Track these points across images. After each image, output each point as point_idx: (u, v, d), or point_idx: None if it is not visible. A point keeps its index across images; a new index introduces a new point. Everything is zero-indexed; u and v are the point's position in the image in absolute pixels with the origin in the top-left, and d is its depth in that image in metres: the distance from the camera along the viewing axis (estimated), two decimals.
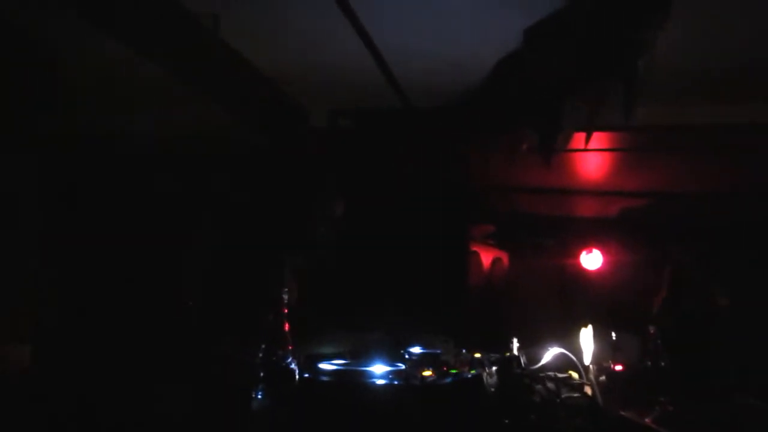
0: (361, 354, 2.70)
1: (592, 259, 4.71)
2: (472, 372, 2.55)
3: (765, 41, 2.80)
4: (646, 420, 2.62)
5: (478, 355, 2.86)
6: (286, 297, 2.38)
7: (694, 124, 3.51)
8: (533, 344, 3.20)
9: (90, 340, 3.49)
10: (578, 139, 3.10)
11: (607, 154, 4.00)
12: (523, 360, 3.03)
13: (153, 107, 3.63)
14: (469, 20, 2.80)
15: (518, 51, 2.89)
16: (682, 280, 4.18)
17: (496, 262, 4.92)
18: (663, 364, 3.18)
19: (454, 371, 2.60)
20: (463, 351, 2.97)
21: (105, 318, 3.61)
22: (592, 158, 4.04)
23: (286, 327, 2.37)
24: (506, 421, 2.38)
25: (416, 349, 2.94)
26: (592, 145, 3.23)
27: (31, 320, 3.54)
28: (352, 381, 2.44)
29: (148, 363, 2.97)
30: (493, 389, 2.50)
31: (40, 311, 3.63)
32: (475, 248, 4.69)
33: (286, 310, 2.36)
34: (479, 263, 4.71)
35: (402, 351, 2.89)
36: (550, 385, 2.83)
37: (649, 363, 3.22)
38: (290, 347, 2.35)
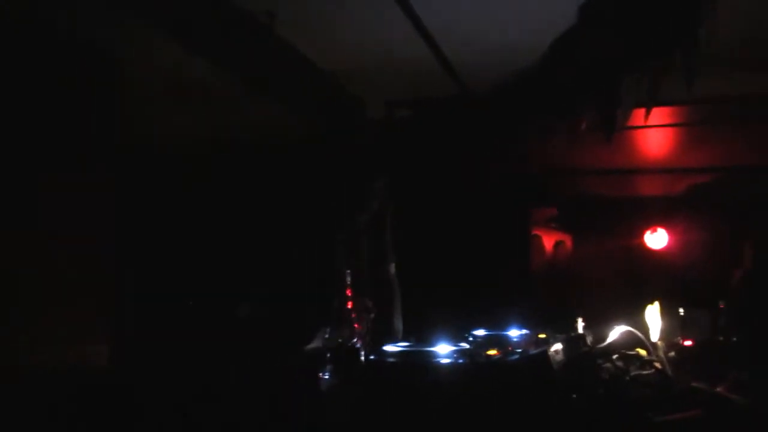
0: (426, 336, 2.72)
1: (656, 239, 4.64)
2: (538, 349, 2.55)
3: None
4: (718, 389, 2.58)
5: (543, 336, 2.85)
6: (349, 279, 2.42)
7: (758, 93, 3.41)
8: (599, 323, 3.17)
9: (166, 337, 3.61)
10: (638, 115, 3.06)
11: (669, 130, 3.93)
12: (589, 339, 3.01)
13: (213, 108, 3.71)
14: (520, 1, 2.79)
15: (573, 29, 2.86)
16: (754, 256, 4.07)
17: (558, 245, 4.89)
18: (734, 339, 3.12)
19: (519, 350, 2.61)
20: (527, 332, 2.96)
21: (180, 315, 3.72)
22: (653, 135, 3.97)
23: (351, 310, 2.41)
24: (574, 396, 2.37)
25: (481, 332, 2.95)
26: (653, 120, 3.18)
27: (110, 321, 3.67)
28: (417, 361, 2.47)
29: (222, 354, 3.05)
30: (559, 367, 2.50)
31: (118, 312, 3.76)
32: (537, 232, 4.67)
33: (350, 292, 2.40)
34: (542, 247, 4.69)
35: (467, 334, 2.90)
36: (619, 362, 2.81)
37: (720, 338, 3.16)
38: (356, 327, 2.39)
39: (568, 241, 4.94)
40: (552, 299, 4.39)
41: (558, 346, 2.62)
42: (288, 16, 2.87)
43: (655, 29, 2.65)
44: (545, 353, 2.44)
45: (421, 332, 2.90)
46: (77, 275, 3.02)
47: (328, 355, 2.36)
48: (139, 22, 2.62)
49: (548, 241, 4.83)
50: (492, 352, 2.54)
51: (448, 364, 2.42)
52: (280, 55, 3.19)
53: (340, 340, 2.39)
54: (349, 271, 2.41)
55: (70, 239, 2.95)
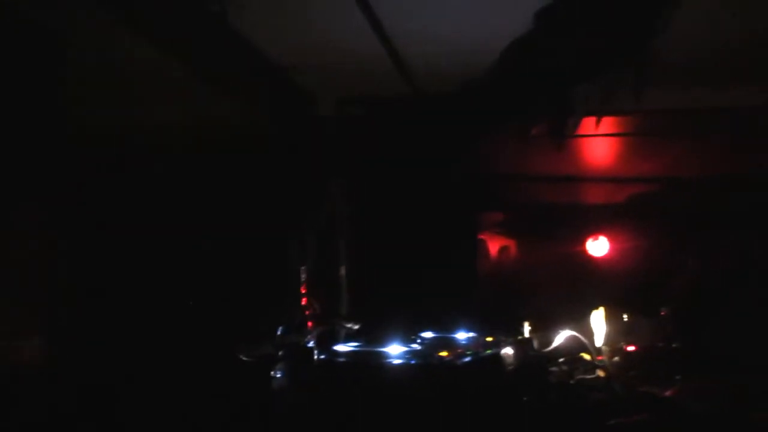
0: (374, 338, 2.70)
1: (598, 246, 4.72)
2: (491, 351, 2.56)
3: None
4: (666, 394, 2.63)
5: (490, 339, 2.87)
6: (303, 276, 2.38)
7: (704, 108, 3.50)
8: (544, 328, 3.21)
9: (103, 332, 3.50)
10: (588, 123, 3.10)
11: (616, 140, 4.01)
12: (535, 343, 3.04)
13: (159, 98, 3.62)
14: (479, 4, 2.79)
15: (528, 35, 2.88)
16: (696, 264, 4.19)
17: (503, 249, 4.92)
18: (675, 345, 3.20)
19: (470, 352, 2.61)
20: (475, 335, 2.97)
21: (118, 309, 3.62)
22: (601, 144, 4.04)
23: (305, 307, 2.37)
24: (525, 398, 2.39)
25: (428, 334, 2.94)
26: (603, 130, 3.23)
27: (44, 314, 3.54)
28: (370, 361, 2.44)
29: (162, 350, 2.97)
30: (510, 369, 2.51)
31: (52, 305, 3.63)
32: (482, 236, 4.69)
33: (304, 290, 2.36)
34: (487, 251, 4.72)
35: (414, 336, 2.89)
36: (564, 367, 2.84)
37: (661, 344, 3.24)
38: (309, 325, 2.35)
39: (513, 247, 4.99)
40: (498, 303, 4.41)
41: (508, 350, 2.64)
42: (241, 8, 2.81)
43: (608, 41, 2.69)
44: (498, 355, 2.45)
45: (369, 334, 2.87)
46: (8, 266, 2.91)
47: (280, 354, 2.32)
48: (87, 4, 2.53)
49: (493, 246, 4.86)
50: (443, 353, 2.54)
51: (401, 364, 2.41)
52: (232, 46, 3.12)
53: (292, 340, 2.34)
54: (303, 268, 2.37)
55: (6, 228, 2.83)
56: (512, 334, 3.04)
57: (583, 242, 4.68)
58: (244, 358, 2.44)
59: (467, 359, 2.48)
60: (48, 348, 3.39)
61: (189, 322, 3.04)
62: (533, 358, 2.83)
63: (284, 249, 3.13)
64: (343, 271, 3.41)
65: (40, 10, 2.74)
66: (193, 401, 2.56)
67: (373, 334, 2.75)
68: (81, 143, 3.74)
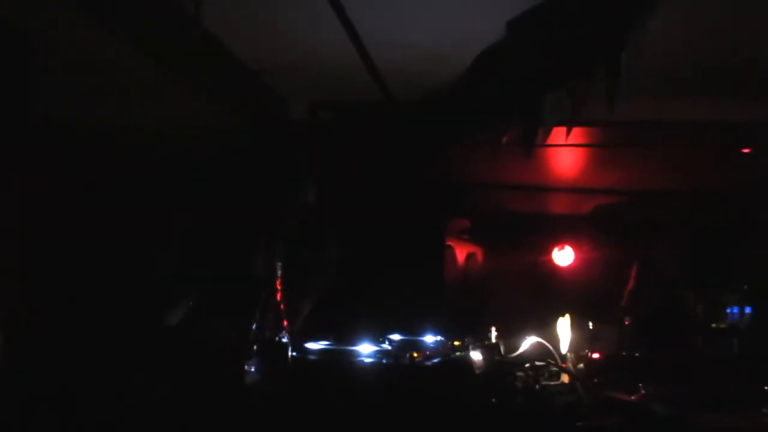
0: (345, 337, 2.70)
1: (563, 255, 4.79)
2: (460, 353, 2.58)
3: (749, 38, 2.85)
4: (632, 398, 2.67)
5: (457, 343, 2.89)
6: (279, 271, 2.37)
7: (675, 121, 3.56)
8: (511, 334, 3.24)
9: (65, 327, 3.45)
10: (558, 133, 3.14)
11: (585, 150, 4.05)
12: (501, 349, 3.07)
13: (130, 98, 3.58)
14: (453, 11, 2.81)
15: (500, 43, 2.90)
16: (652, 273, 4.27)
17: (470, 256, 4.97)
18: (637, 354, 3.26)
19: (439, 354, 2.63)
20: (442, 338, 2.99)
21: (81, 304, 3.56)
22: (570, 154, 4.09)
23: (280, 302, 2.35)
24: (493, 400, 2.41)
25: (396, 336, 2.95)
26: (572, 140, 3.27)
27: (2, 310, 3.48)
28: (340, 359, 2.45)
29: (130, 346, 2.93)
30: (479, 372, 2.53)
31: (10, 301, 3.57)
32: (450, 242, 4.73)
33: (279, 286, 2.35)
34: (454, 258, 4.75)
35: (381, 338, 2.90)
36: (530, 372, 2.87)
37: (624, 353, 3.29)
38: (284, 323, 2.34)
39: (479, 254, 5.03)
40: (464, 309, 4.44)
41: (476, 354, 2.66)
42: (212, 8, 2.79)
43: (580, 51, 2.73)
44: (468, 357, 2.47)
45: (336, 334, 2.87)
46: None
47: (254, 348, 2.30)
48: (60, 4, 2.50)
49: (460, 253, 4.90)
50: (415, 354, 2.55)
51: (372, 363, 2.41)
52: (204, 48, 3.10)
53: (266, 333, 2.33)
54: (279, 263, 2.36)
55: None
56: (479, 339, 3.07)
57: (549, 251, 4.75)
58: (217, 353, 2.42)
59: (437, 360, 2.49)
60: (5, 345, 3.33)
61: (157, 319, 3.00)
62: (500, 363, 2.86)
63: (255, 250, 3.11)
64: (313, 271, 3.41)
65: (11, 10, 2.70)
66: (160, 395, 2.52)
67: (343, 333, 2.75)
68: (50, 141, 3.69)
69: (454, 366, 2.44)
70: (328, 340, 2.70)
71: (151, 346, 2.82)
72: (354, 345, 2.59)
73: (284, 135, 3.88)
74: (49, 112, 3.43)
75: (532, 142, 3.12)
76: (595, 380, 3.02)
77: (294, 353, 2.42)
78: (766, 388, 2.81)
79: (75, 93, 3.48)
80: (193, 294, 2.94)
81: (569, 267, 4.73)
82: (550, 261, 4.77)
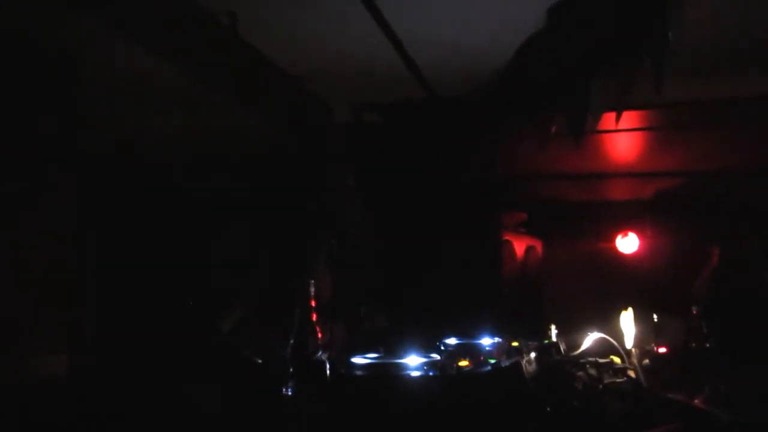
0: (395, 347, 2.66)
1: (627, 243, 4.64)
2: (511, 360, 2.50)
3: None
4: (696, 401, 2.54)
5: (515, 344, 2.80)
6: (313, 289, 2.34)
7: (727, 98, 3.41)
8: (572, 331, 3.13)
9: (125, 349, 3.51)
10: (608, 119, 3.02)
11: (639, 134, 3.92)
12: (562, 347, 2.96)
13: (174, 112, 3.62)
14: (489, 4, 2.75)
15: (542, 31, 2.82)
16: (727, 259, 4.08)
17: (529, 250, 4.84)
18: (708, 345, 3.10)
19: (492, 360, 2.55)
20: (500, 340, 2.91)
21: (139, 325, 3.62)
22: (623, 139, 3.96)
23: (315, 321, 2.33)
24: (548, 408, 2.32)
25: (452, 340, 2.89)
26: (622, 125, 3.15)
27: (68, 331, 3.56)
28: (385, 374, 2.40)
29: (180, 366, 2.96)
30: (532, 377, 2.45)
31: (77, 322, 3.65)
32: (507, 237, 4.63)
33: (314, 303, 2.32)
34: (512, 252, 4.64)
35: (438, 343, 2.84)
36: (592, 371, 2.76)
37: (694, 344, 3.14)
38: (320, 341, 2.31)
39: (538, 247, 4.91)
40: (524, 306, 4.35)
41: (531, 356, 2.57)
42: (250, 17, 2.79)
43: (624, 32, 2.62)
44: (518, 364, 2.39)
45: (389, 342, 2.83)
46: (34, 282, 2.92)
47: (291, 369, 2.27)
48: (98, 20, 2.53)
49: (519, 247, 4.79)
50: (463, 363, 2.48)
51: (417, 377, 2.36)
52: (243, 57, 3.11)
53: (303, 353, 2.29)
54: (312, 281, 2.33)
55: (27, 244, 2.85)
56: (538, 337, 2.97)
57: (610, 240, 4.60)
58: (255, 375, 2.41)
59: (486, 369, 2.42)
60: (73, 363, 3.41)
61: (202, 339, 3.02)
62: (559, 364, 2.76)
63: (298, 259, 3.10)
64: (362, 279, 3.38)
65: (49, 31, 2.76)
66: (203, 424, 2.53)
67: (394, 343, 2.71)
68: (96, 157, 3.77)
69: (504, 374, 2.35)
70: (377, 351, 2.66)
71: (201, 360, 2.83)
72: (404, 354, 2.53)
73: (328, 139, 3.87)
74: (97, 132, 3.51)
75: (581, 129, 3.01)
76: (662, 377, 2.89)
77: (339, 369, 2.38)
78: None
79: (117, 109, 3.55)
80: (242, 308, 2.95)
81: (633, 255, 4.57)
82: (613, 249, 4.62)
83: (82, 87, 3.01)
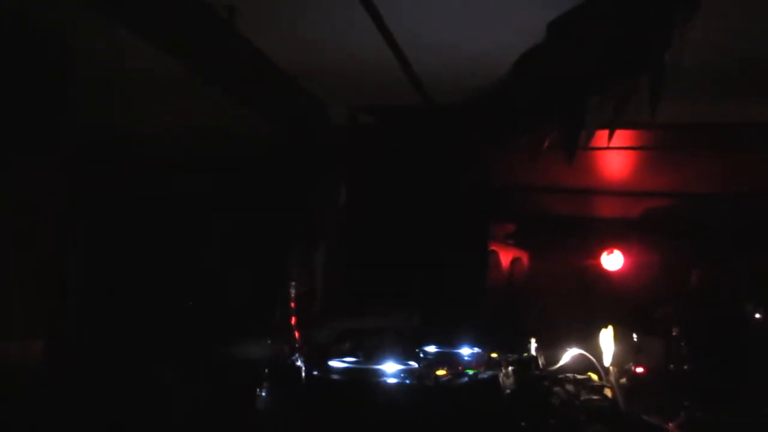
0: (374, 352, 2.65)
1: (613, 260, 4.65)
2: (489, 373, 2.50)
3: None
4: (670, 425, 2.55)
5: (494, 355, 2.80)
6: (293, 291, 2.33)
7: (721, 123, 3.43)
8: (552, 345, 3.13)
9: (102, 338, 3.49)
10: (601, 136, 3.03)
11: (631, 153, 3.94)
12: (541, 361, 2.97)
13: (168, 104, 3.61)
14: (490, 14, 2.75)
15: (541, 45, 2.82)
16: (709, 282, 4.10)
17: (515, 261, 4.86)
18: (687, 367, 3.11)
19: (470, 371, 2.55)
20: (479, 351, 2.91)
21: (117, 316, 3.60)
22: (615, 157, 3.97)
23: (293, 322, 2.32)
24: (523, 424, 2.32)
25: (432, 348, 2.89)
26: (615, 143, 3.15)
27: (45, 316, 3.54)
28: (361, 380, 2.39)
29: (156, 363, 2.94)
30: (509, 390, 2.45)
31: (54, 307, 3.63)
32: (494, 247, 4.64)
33: (293, 305, 2.31)
34: (498, 262, 4.65)
35: (417, 350, 2.84)
36: (569, 387, 2.77)
37: (673, 366, 3.15)
38: (297, 344, 2.30)
39: (524, 258, 4.92)
40: (506, 317, 4.35)
41: (509, 369, 2.57)
42: (249, 13, 2.78)
43: (621, 51, 2.63)
44: (496, 378, 2.39)
45: (370, 346, 2.82)
46: (9, 266, 2.90)
47: (266, 370, 2.26)
48: (97, 10, 2.51)
49: (505, 258, 4.80)
50: (441, 372, 2.48)
51: (393, 384, 2.35)
52: (241, 53, 3.10)
53: (279, 356, 2.28)
54: (293, 283, 2.32)
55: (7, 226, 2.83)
56: (517, 350, 2.97)
57: (596, 256, 4.61)
58: (229, 377, 2.40)
59: (464, 380, 2.42)
60: (50, 350, 3.39)
61: (178, 338, 3.01)
62: (537, 378, 2.76)
63: (284, 258, 3.09)
64: (343, 280, 3.37)
65: (49, 20, 2.74)
66: (176, 425, 2.52)
67: (373, 348, 2.70)
68: (88, 148, 3.74)
69: (481, 386, 2.35)
70: (356, 356, 2.65)
71: (175, 363, 2.82)
72: (383, 360, 2.52)
73: (323, 139, 3.86)
74: (87, 120, 3.48)
75: (574, 145, 3.02)
76: (638, 397, 2.89)
77: (314, 372, 2.38)
78: None
79: (112, 101, 3.54)
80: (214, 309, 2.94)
81: (617, 273, 4.58)
82: (598, 266, 4.63)
83: (79, 77, 2.99)
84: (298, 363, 2.27)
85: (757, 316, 3.74)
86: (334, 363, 2.48)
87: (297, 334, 2.28)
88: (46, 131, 3.01)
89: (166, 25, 2.74)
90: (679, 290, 4.14)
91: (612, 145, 3.14)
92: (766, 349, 3.33)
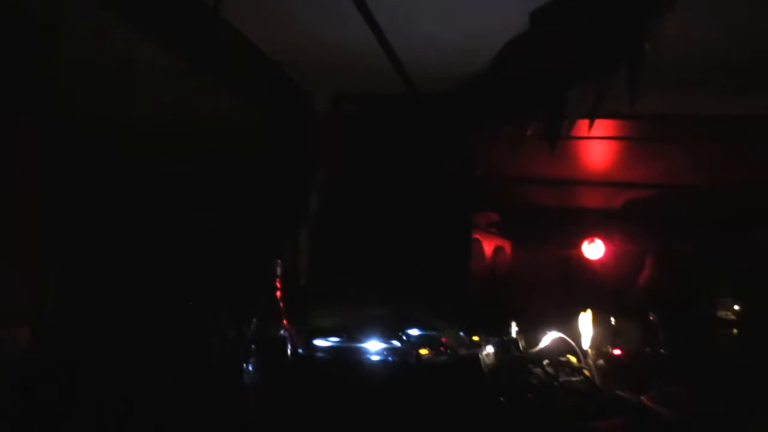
0: (359, 332, 2.70)
1: (594, 249, 4.73)
2: (470, 351, 2.56)
3: None
4: (642, 398, 2.63)
5: (476, 338, 2.86)
6: (279, 270, 2.37)
7: (701, 114, 3.48)
8: (533, 329, 3.20)
9: (88, 321, 3.50)
10: (583, 126, 3.09)
11: (612, 144, 3.99)
12: (522, 344, 3.04)
13: (152, 92, 3.61)
14: (475, 4, 2.78)
15: (524, 35, 2.87)
16: (680, 270, 4.20)
17: (498, 250, 4.93)
18: (662, 351, 3.19)
19: (450, 352, 2.61)
20: (462, 334, 2.97)
21: (103, 299, 3.61)
22: (597, 148, 4.03)
23: (279, 301, 2.36)
24: (502, 398, 2.38)
25: (414, 332, 2.94)
26: (597, 133, 3.22)
27: (31, 303, 3.54)
28: (346, 357, 2.45)
29: (145, 342, 2.97)
30: (490, 370, 2.51)
31: (40, 294, 3.63)
32: (477, 236, 4.70)
33: (279, 284, 2.35)
34: (481, 251, 4.72)
35: (400, 333, 2.89)
36: (548, 368, 2.83)
37: (648, 349, 3.23)
38: (284, 321, 2.34)
39: (507, 247, 4.99)
40: (488, 303, 4.42)
41: (490, 349, 2.63)
42: (235, 1, 2.80)
43: (602, 42, 2.68)
44: (476, 356, 2.45)
45: (353, 328, 2.87)
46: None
47: (253, 346, 2.31)
48: None
49: (488, 246, 4.86)
50: (423, 351, 2.54)
51: (377, 361, 2.41)
52: (226, 40, 3.11)
53: (266, 333, 2.33)
54: (279, 261, 2.36)
55: None
56: (499, 334, 3.04)
57: (577, 245, 4.69)
58: (217, 352, 2.43)
59: (445, 358, 2.48)
60: (34, 339, 3.39)
61: (167, 317, 3.03)
62: (516, 359, 2.83)
63: (266, 242, 3.13)
64: (327, 265, 3.41)
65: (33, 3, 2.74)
66: (164, 399, 2.55)
67: (357, 330, 2.75)
68: (74, 135, 3.75)
69: (462, 364, 2.42)
70: (340, 337, 2.70)
71: (158, 344, 2.85)
72: (366, 338, 2.58)
73: (306, 126, 3.88)
74: (71, 106, 3.48)
75: (556, 134, 3.08)
76: (613, 377, 2.97)
77: (300, 350, 2.42)
78: None
79: (97, 87, 3.53)
80: (205, 291, 2.96)
81: (598, 261, 4.67)
82: (579, 255, 4.71)
83: (62, 60, 2.98)
84: (285, 340, 2.31)
85: (732, 304, 3.84)
86: (319, 342, 2.54)
87: (282, 312, 2.32)
88: (26, 116, 3.01)
89: (152, 11, 2.76)
90: (654, 277, 4.23)
91: (593, 135, 3.20)
92: (732, 333, 3.43)
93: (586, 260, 4.68)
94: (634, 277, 4.38)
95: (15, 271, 3.09)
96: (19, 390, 2.71)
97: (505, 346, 2.87)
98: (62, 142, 3.25)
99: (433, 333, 2.92)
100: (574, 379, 2.85)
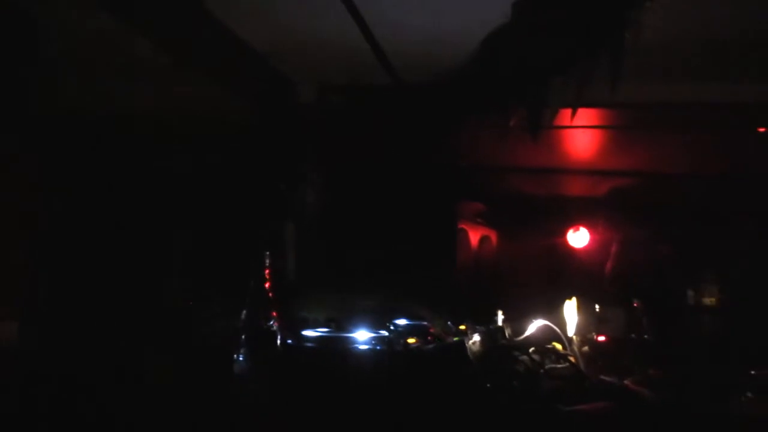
0: (347, 322, 2.72)
1: (578, 237, 4.77)
2: (456, 339, 2.59)
3: (753, 19, 2.79)
4: (626, 382, 2.67)
5: (463, 327, 2.89)
6: (268, 262, 2.38)
7: (683, 103, 3.51)
8: (519, 317, 3.23)
9: (76, 313, 3.50)
10: (566, 115, 3.10)
11: (596, 133, 4.01)
12: (508, 332, 3.07)
13: (135, 83, 3.59)
14: None
15: (506, 24, 2.88)
16: (663, 257, 4.24)
17: (484, 240, 4.96)
18: (646, 336, 3.24)
19: (438, 341, 2.64)
20: (449, 323, 2.99)
21: (91, 290, 3.61)
22: (580, 136, 4.05)
23: (269, 292, 2.37)
24: (488, 385, 2.41)
25: (402, 321, 2.96)
26: (580, 122, 3.23)
27: (19, 297, 3.53)
28: (334, 347, 2.47)
29: (134, 333, 2.97)
30: (476, 357, 2.54)
31: (29, 288, 3.63)
32: (463, 226, 4.72)
33: (268, 275, 2.36)
34: (467, 241, 4.75)
35: (388, 323, 2.91)
36: (534, 356, 2.87)
37: (633, 335, 3.27)
38: (273, 312, 2.36)
39: (493, 237, 5.03)
40: (475, 292, 4.45)
41: (476, 338, 2.66)
42: None
43: (583, 31, 2.69)
44: (462, 343, 2.48)
45: (342, 319, 2.89)
46: None
47: (243, 337, 2.32)
48: None
49: (474, 236, 4.89)
50: (411, 340, 2.56)
51: (365, 350, 2.43)
52: (209, 30, 3.11)
53: (255, 322, 2.34)
54: (268, 253, 2.37)
55: None
56: (485, 322, 3.06)
57: (562, 234, 4.73)
58: (207, 342, 2.45)
59: (432, 346, 2.51)
60: (24, 331, 3.39)
61: (156, 307, 3.04)
62: (502, 347, 2.86)
63: (255, 234, 3.13)
64: (315, 257, 3.42)
65: None
66: (157, 387, 2.56)
67: (345, 320, 2.77)
68: (60, 126, 3.73)
69: (449, 352, 2.45)
70: (328, 327, 2.72)
71: (149, 336, 2.86)
72: (354, 332, 2.60)
73: (292, 118, 3.88)
74: (53, 99, 3.46)
75: (538, 124, 3.09)
76: (598, 363, 3.01)
77: (289, 341, 2.44)
78: (752, 372, 2.81)
79: (78, 78, 3.51)
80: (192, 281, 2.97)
81: (583, 250, 4.71)
82: (564, 243, 4.75)
83: (42, 51, 2.97)
84: (274, 329, 2.32)
85: (714, 290, 3.90)
86: (308, 332, 2.56)
87: (272, 302, 2.34)
88: (12, 112, 3.00)
89: (135, 3, 2.75)
90: (638, 264, 4.28)
91: (576, 124, 3.22)
92: (714, 318, 3.48)
93: (571, 248, 4.72)
94: (619, 265, 4.42)
95: (3, 266, 3.09)
96: (9, 382, 2.71)
97: (492, 334, 2.89)
98: (46, 137, 3.25)
99: (421, 323, 2.94)
100: (559, 365, 2.88)
